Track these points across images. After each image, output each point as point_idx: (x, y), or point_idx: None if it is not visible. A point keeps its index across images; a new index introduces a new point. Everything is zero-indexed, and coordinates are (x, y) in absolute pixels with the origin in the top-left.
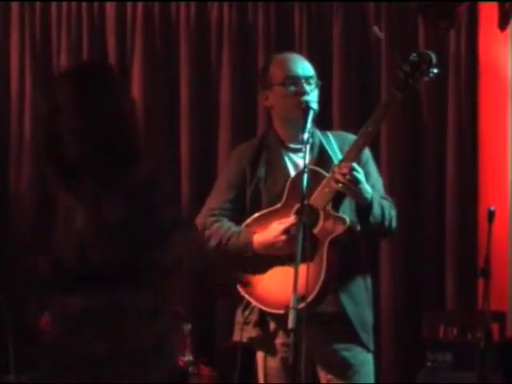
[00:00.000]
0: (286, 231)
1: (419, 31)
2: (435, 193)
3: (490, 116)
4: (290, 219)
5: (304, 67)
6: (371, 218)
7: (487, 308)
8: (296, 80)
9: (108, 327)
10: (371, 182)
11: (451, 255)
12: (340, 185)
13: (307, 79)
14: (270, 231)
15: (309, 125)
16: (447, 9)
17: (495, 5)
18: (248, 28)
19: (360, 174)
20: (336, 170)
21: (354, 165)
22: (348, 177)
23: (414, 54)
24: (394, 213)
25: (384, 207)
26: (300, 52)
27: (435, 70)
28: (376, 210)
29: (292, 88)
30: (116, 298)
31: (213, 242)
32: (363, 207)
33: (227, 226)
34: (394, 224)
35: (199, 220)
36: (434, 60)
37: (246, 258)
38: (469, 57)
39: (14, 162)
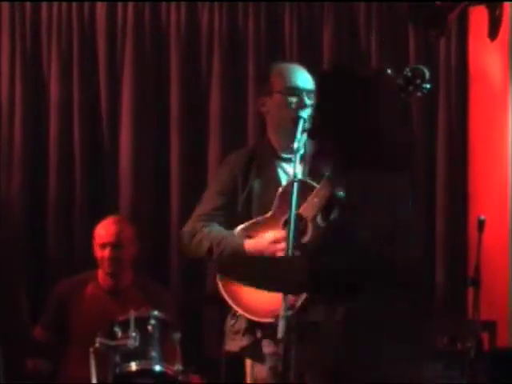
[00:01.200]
0: (277, 242)
1: (409, 38)
2: (425, 200)
3: (480, 124)
4: (282, 233)
5: (305, 80)
6: None
7: (477, 317)
8: (295, 92)
9: None
10: None
11: (441, 263)
12: None
13: (308, 92)
14: (262, 239)
15: (298, 134)
16: (437, 17)
17: (485, 12)
18: (238, 31)
19: None
20: None
21: None
22: None
23: (408, 69)
24: None
25: None
26: (290, 55)
27: (428, 86)
28: None
29: (292, 99)
30: None
31: (204, 245)
32: None
33: (218, 229)
34: None
35: (188, 226)
36: (427, 75)
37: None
38: (459, 64)
39: (3, 168)
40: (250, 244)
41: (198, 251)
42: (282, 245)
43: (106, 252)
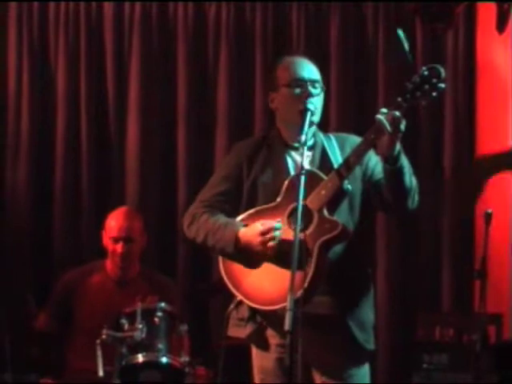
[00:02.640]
0: (264, 233)
1: (417, 32)
2: (432, 193)
3: (487, 117)
4: (272, 222)
5: (310, 71)
6: (403, 168)
7: (483, 310)
8: (301, 83)
9: None
10: (373, 163)
11: (448, 257)
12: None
13: (313, 82)
14: (252, 229)
15: (306, 126)
16: (444, 10)
17: (493, 6)
18: (246, 28)
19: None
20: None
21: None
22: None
23: (424, 68)
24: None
25: (410, 168)
26: (297, 51)
27: (443, 85)
28: (405, 162)
29: (297, 90)
30: None
31: (200, 235)
32: (395, 169)
33: (215, 217)
34: (415, 189)
35: (190, 211)
36: (443, 75)
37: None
38: (466, 58)
39: (10, 160)
40: (242, 233)
41: (195, 240)
42: (271, 235)
43: (119, 247)
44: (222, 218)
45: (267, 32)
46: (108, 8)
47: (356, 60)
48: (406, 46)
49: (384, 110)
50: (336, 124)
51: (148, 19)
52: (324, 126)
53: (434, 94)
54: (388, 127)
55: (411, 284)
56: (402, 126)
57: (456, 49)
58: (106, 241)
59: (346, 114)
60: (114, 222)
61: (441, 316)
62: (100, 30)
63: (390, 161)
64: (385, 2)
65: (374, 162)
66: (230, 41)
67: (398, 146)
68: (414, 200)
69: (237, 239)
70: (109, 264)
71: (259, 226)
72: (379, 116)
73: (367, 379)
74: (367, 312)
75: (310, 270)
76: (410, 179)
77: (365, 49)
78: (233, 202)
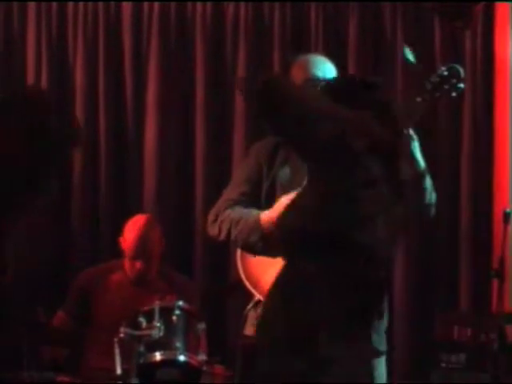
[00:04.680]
0: None
1: (435, 31)
2: (450, 194)
3: (505, 117)
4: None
5: (325, 70)
6: (425, 191)
7: (501, 309)
8: (315, 82)
9: None
10: None
11: (466, 256)
12: None
13: None
14: (277, 205)
15: None
16: (463, 9)
17: (511, 5)
18: (264, 27)
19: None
20: None
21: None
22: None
23: (444, 68)
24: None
25: (431, 185)
26: (315, 49)
27: (462, 85)
28: (428, 183)
29: None
30: None
31: (223, 229)
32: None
33: (238, 210)
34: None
35: (213, 210)
36: (462, 75)
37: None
38: (484, 58)
39: None
40: (265, 214)
41: (219, 236)
42: None
43: (137, 264)
44: (243, 210)
45: (285, 32)
46: (126, 7)
47: (374, 60)
48: (414, 62)
49: None
50: None
51: (166, 19)
52: None
53: (454, 93)
54: None
55: (429, 284)
56: (412, 142)
57: (474, 49)
58: (125, 250)
59: None
60: (132, 239)
61: (459, 315)
62: (118, 29)
63: (413, 183)
64: (403, 1)
65: None
66: (249, 41)
67: (423, 165)
68: (430, 212)
69: (261, 222)
70: (126, 263)
71: (284, 200)
72: None
73: (383, 379)
74: None
75: None
76: (430, 199)
77: (383, 49)
78: (253, 203)
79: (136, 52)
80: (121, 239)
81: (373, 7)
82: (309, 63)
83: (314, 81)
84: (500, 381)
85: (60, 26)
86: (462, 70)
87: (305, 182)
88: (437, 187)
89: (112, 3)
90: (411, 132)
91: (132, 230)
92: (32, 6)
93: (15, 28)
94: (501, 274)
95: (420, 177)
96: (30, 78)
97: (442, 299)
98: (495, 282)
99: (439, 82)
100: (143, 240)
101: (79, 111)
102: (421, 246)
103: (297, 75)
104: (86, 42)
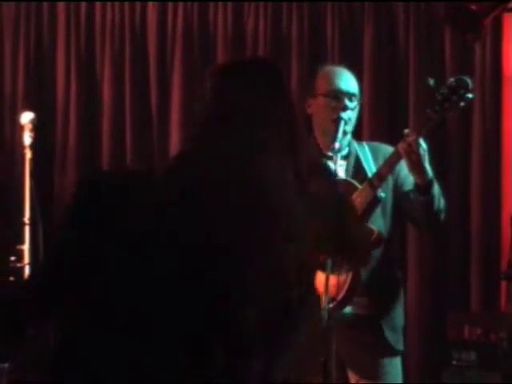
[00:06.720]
0: None
1: (445, 42)
2: (460, 198)
3: None
4: None
5: (349, 83)
6: (433, 198)
7: (510, 309)
8: (339, 95)
9: None
10: (405, 172)
11: (476, 258)
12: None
13: (350, 96)
14: None
15: (339, 135)
16: (474, 21)
17: None
18: (282, 39)
19: (423, 149)
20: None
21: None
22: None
23: (452, 79)
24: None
25: (440, 192)
26: (332, 57)
27: (470, 96)
28: (436, 190)
29: (333, 103)
30: None
31: None
32: (424, 186)
33: None
34: (443, 209)
35: None
36: (471, 86)
37: None
38: (493, 67)
39: (59, 168)
40: None
41: None
42: None
43: None
44: None
45: (303, 44)
46: (152, 19)
47: (389, 69)
48: (434, 87)
49: (406, 131)
50: (369, 128)
51: (189, 32)
52: (356, 131)
53: (462, 104)
54: (405, 156)
55: (441, 285)
56: (421, 150)
57: (483, 58)
58: None
59: (379, 118)
60: None
61: (469, 315)
62: (144, 40)
63: (421, 190)
64: (416, 1)
65: (405, 171)
66: (268, 52)
67: (430, 174)
68: (440, 219)
69: None
70: None
71: None
72: (397, 147)
73: (400, 378)
74: (399, 315)
75: (349, 276)
76: (439, 205)
77: (397, 59)
78: None
79: (161, 62)
80: None
81: (387, 20)
82: (334, 75)
83: (335, 92)
84: (511, 381)
85: (88, 41)
86: (470, 81)
87: None
88: (448, 194)
89: (137, 18)
90: (421, 141)
91: None
92: (62, 21)
93: (45, 43)
94: (509, 276)
95: (427, 185)
96: (60, 91)
97: (453, 300)
98: (504, 284)
99: (448, 93)
100: None
101: (106, 123)
102: (433, 249)
103: (321, 85)
104: (113, 55)
